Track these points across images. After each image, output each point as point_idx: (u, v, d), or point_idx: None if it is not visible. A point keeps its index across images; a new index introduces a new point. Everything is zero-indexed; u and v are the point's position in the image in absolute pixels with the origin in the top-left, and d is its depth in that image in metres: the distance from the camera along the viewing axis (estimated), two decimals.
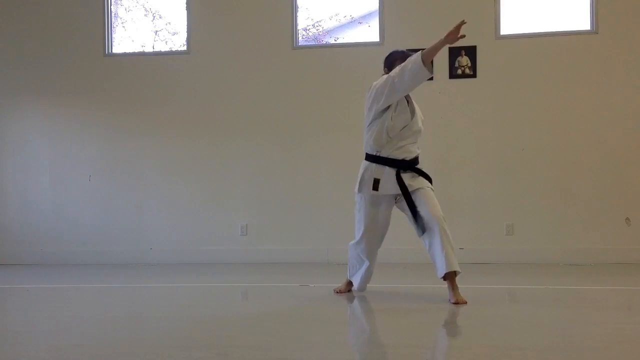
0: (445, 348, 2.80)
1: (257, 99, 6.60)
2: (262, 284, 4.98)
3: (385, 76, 3.81)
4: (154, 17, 7.21)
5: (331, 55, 6.58)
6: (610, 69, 6.15)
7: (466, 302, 3.65)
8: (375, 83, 3.87)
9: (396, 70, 3.72)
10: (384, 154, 3.84)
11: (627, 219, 6.07)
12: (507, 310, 3.73)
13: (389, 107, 3.81)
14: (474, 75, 6.29)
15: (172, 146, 6.70)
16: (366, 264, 4.03)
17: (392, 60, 3.91)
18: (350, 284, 4.21)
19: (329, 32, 7.07)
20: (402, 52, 3.90)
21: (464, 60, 6.27)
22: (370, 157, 3.90)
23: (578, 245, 6.08)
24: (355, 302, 3.96)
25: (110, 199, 6.78)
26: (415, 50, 3.72)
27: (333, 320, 3.38)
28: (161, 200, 6.72)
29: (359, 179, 3.93)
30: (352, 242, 4.07)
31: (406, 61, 3.69)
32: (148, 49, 7.13)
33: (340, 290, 4.20)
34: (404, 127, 3.83)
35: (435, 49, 3.62)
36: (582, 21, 6.24)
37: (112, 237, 6.72)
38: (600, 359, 2.52)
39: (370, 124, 3.89)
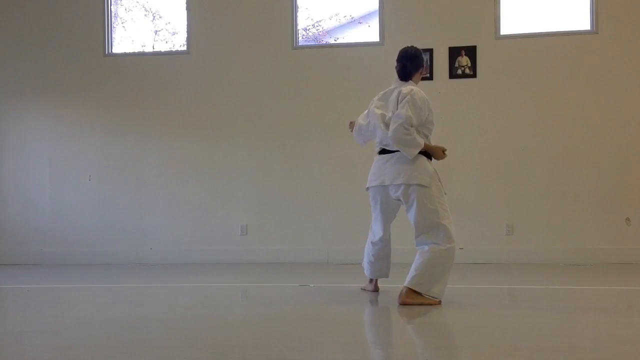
0: (445, 348, 2.80)
1: (257, 98, 6.61)
2: (262, 284, 4.98)
3: (408, 116, 3.70)
4: (154, 17, 7.21)
5: (331, 55, 6.58)
6: (610, 69, 6.15)
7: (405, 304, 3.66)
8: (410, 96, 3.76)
9: (407, 138, 3.72)
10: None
11: (627, 219, 6.07)
12: (507, 310, 3.73)
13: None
14: (474, 75, 6.29)
15: (172, 146, 6.71)
16: None
17: (419, 65, 3.95)
18: None
19: (329, 32, 7.07)
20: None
21: (464, 60, 6.27)
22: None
23: (578, 245, 6.08)
24: (355, 302, 3.96)
25: (110, 199, 6.78)
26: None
27: (333, 320, 3.38)
28: (161, 200, 6.72)
29: (428, 174, 3.77)
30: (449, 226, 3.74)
31: (411, 147, 3.73)
32: (148, 49, 7.13)
33: None
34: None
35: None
36: (582, 21, 6.25)
37: (112, 237, 6.72)
38: (600, 359, 2.52)
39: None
